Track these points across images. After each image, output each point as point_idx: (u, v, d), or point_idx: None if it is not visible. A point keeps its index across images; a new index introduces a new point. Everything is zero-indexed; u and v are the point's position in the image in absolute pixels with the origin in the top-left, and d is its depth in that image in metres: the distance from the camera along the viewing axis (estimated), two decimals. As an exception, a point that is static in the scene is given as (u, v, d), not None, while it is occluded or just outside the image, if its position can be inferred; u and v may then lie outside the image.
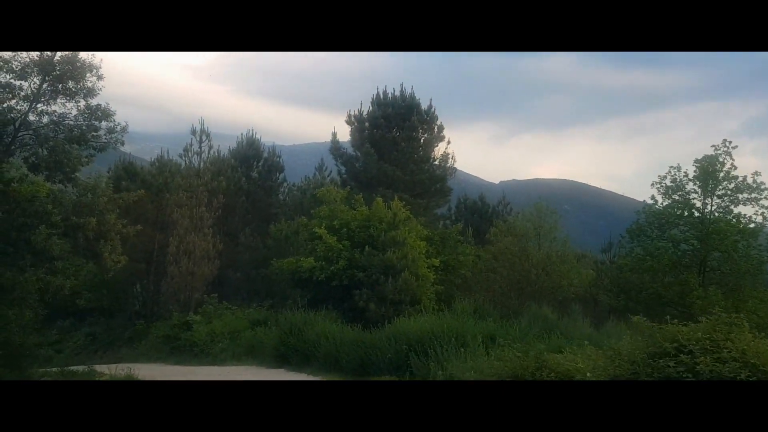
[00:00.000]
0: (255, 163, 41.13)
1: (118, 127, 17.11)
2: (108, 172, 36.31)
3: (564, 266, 30.70)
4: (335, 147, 33.04)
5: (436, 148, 34.33)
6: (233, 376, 16.87)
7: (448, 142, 34.56)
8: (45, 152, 15.71)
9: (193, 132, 29.22)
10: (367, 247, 25.47)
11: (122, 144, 16.97)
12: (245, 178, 40.19)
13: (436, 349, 13.72)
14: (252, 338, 22.57)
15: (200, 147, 29.58)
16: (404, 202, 27.84)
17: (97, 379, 17.60)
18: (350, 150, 34.06)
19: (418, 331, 15.20)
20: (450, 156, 33.74)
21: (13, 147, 16.18)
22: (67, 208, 15.89)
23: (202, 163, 29.67)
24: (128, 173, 34.62)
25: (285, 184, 43.32)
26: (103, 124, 16.91)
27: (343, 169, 33.98)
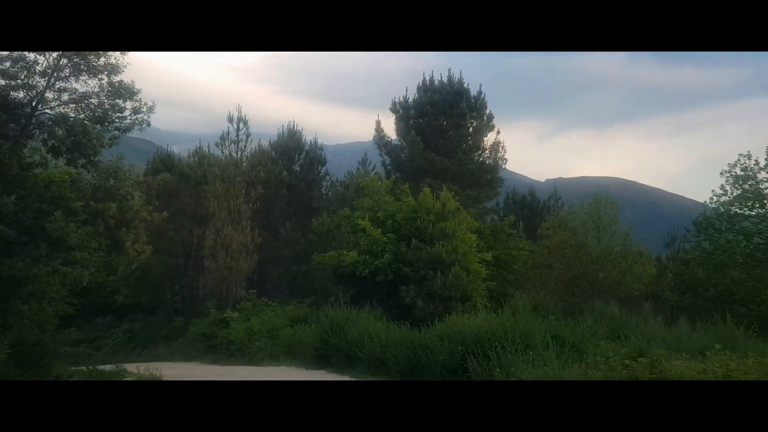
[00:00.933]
0: (296, 155, 39.74)
1: (144, 107, 15.66)
2: (147, 165, 35.38)
3: (625, 261, 28.63)
4: (379, 137, 31.34)
5: (486, 138, 32.42)
6: (265, 377, 15.36)
7: (498, 132, 32.63)
8: (63, 132, 14.31)
9: (230, 119, 27.81)
10: (413, 240, 23.72)
11: (148, 125, 15.54)
12: (286, 171, 38.88)
13: (497, 351, 11.90)
14: (291, 337, 21.06)
15: (237, 135, 28.16)
16: (453, 193, 26.01)
17: (125, 378, 16.38)
18: (395, 140, 32.35)
19: (475, 331, 13.38)
20: (501, 145, 31.76)
21: (30, 128, 14.85)
22: (86, 192, 14.49)
23: (239, 152, 28.23)
24: (165, 165, 33.52)
25: (327, 178, 41.83)
26: (128, 104, 15.48)
27: (388, 160, 32.26)
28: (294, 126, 39.94)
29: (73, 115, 14.85)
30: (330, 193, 41.84)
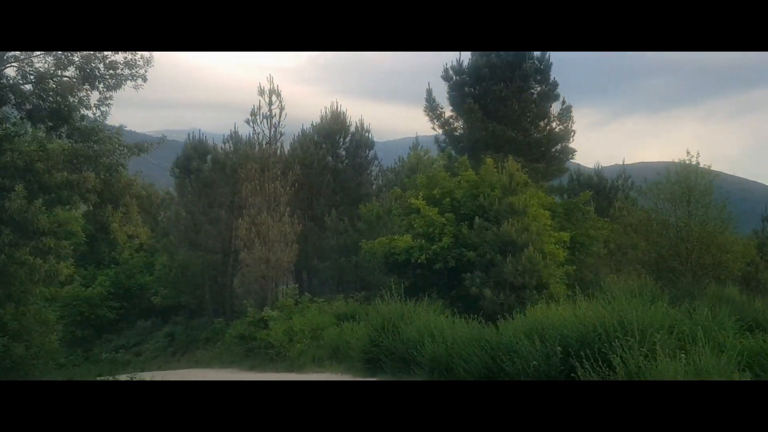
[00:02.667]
0: (341, 138, 36.44)
1: (141, 60, 12.51)
2: (179, 154, 32.60)
3: (724, 238, 24.63)
4: (431, 107, 27.74)
5: (551, 106, 28.49)
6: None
7: (563, 102, 28.66)
8: (35, 89, 11.29)
9: (261, 92, 24.58)
10: (477, 218, 20.14)
11: (144, 80, 12.44)
12: (331, 155, 35.67)
13: (623, 348, 8.29)
14: (336, 337, 17.78)
15: (270, 110, 24.91)
16: (519, 165, 22.31)
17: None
18: (449, 113, 28.70)
19: (576, 325, 9.79)
20: (570, 112, 27.81)
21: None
22: (56, 161, 11.44)
23: (273, 128, 25.00)
24: (198, 152, 30.62)
25: (376, 162, 38.39)
26: (119, 56, 12.33)
27: (441, 136, 28.61)
28: (337, 107, 36.67)
29: (52, 70, 11.82)
30: (380, 180, 38.54)
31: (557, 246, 21.20)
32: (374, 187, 37.54)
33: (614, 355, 8.23)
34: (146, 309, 39.46)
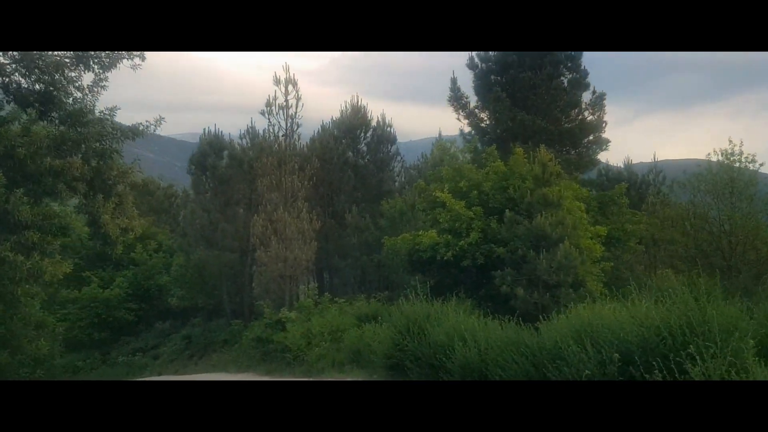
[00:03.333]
0: (362, 133, 35.16)
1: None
2: (194, 150, 31.51)
3: (770, 232, 23.17)
4: (455, 97, 26.37)
5: (583, 95, 26.99)
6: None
7: (594, 92, 27.14)
8: (24, 71, 10.15)
9: (276, 81, 23.30)
10: (507, 212, 18.76)
11: (142, 59, 11.25)
12: (351, 151, 34.43)
13: (695, 358, 6.91)
14: (357, 340, 16.47)
15: (286, 100, 23.64)
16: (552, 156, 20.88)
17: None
18: (474, 103, 27.30)
19: (636, 328, 8.38)
20: (603, 100, 26.29)
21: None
22: (40, 146, 10.27)
23: (289, 119, 23.74)
24: (214, 148, 29.50)
25: (399, 158, 37.05)
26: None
27: (467, 128, 27.22)
28: (358, 101, 35.40)
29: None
30: (402, 177, 37.22)
31: (593, 241, 19.78)
32: (396, 184, 36.28)
33: (691, 364, 6.85)
34: (165, 310, 38.53)
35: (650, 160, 40.24)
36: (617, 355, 7.90)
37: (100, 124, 11.07)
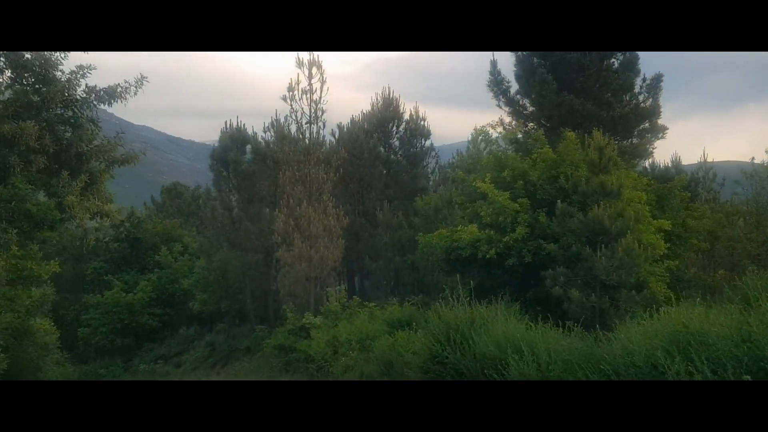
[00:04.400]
0: (394, 127, 33.13)
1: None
2: (214, 145, 29.69)
3: None
4: (495, 81, 24.08)
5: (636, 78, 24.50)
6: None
7: (644, 79, 24.65)
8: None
9: (299, 63, 21.26)
10: (559, 203, 16.50)
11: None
12: (383, 146, 32.43)
13: None
14: (389, 349, 14.33)
15: (309, 83, 21.57)
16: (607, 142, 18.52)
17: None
18: (516, 90, 24.97)
19: (729, 339, 6.20)
20: (660, 82, 23.78)
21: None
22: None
23: (313, 104, 21.65)
24: (236, 142, 27.62)
25: (433, 153, 34.88)
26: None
27: (506, 115, 24.85)
28: (389, 93, 33.35)
29: None
30: (437, 176, 35.07)
31: (657, 235, 17.42)
32: (431, 183, 34.17)
33: None
34: (191, 316, 36.85)
35: (692, 161, 37.71)
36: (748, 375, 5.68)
37: (67, 84, 9.13)
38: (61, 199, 8.84)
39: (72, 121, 9.42)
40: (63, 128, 9.34)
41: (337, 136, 29.20)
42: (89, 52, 9.73)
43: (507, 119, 25.17)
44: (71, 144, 9.30)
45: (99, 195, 9.79)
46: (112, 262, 45.61)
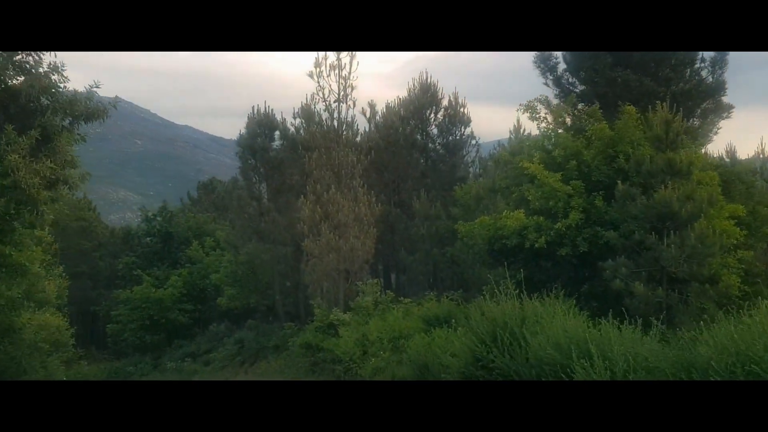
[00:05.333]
0: (432, 114, 31.23)
1: None
2: (241, 131, 28.08)
3: None
4: (542, 57, 22.04)
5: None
6: None
7: (702, 59, 22.38)
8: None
9: (327, 36, 19.59)
10: (619, 184, 14.50)
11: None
12: (420, 134, 30.60)
13: None
14: (425, 349, 12.55)
15: (338, 57, 19.74)
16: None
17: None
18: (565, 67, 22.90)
19: None
20: (726, 56, 21.52)
21: None
22: None
23: (342, 81, 19.84)
24: (264, 128, 25.99)
25: (473, 142, 32.77)
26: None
27: (555, 92, 22.75)
28: (427, 78, 31.47)
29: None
30: (476, 167, 33.00)
31: (730, 222, 15.32)
32: (471, 174, 32.16)
33: None
34: (222, 312, 35.53)
35: (744, 156, 35.06)
36: None
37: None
38: (2, 159, 7.28)
39: (26, 66, 7.84)
40: (11, 73, 7.79)
41: (368, 115, 27.36)
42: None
43: (555, 102, 23.18)
44: (17, 89, 7.70)
45: (56, 157, 8.15)
46: (143, 256, 44.71)
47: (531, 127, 28.96)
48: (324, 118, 20.44)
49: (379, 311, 17.55)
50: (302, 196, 19.81)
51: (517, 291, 10.50)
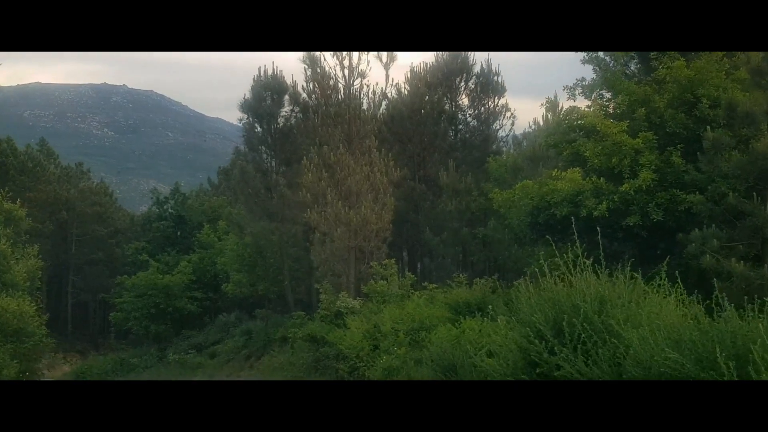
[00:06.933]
0: (462, 82, 27.96)
1: None
2: (244, 97, 24.83)
3: None
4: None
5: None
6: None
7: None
8: None
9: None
10: (708, 130, 11.15)
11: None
12: (449, 103, 27.38)
13: None
14: (452, 344, 9.44)
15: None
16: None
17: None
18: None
19: None
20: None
21: None
22: None
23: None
24: (271, 90, 22.79)
25: (508, 114, 29.30)
26: None
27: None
28: (456, 43, 28.15)
29: None
30: (510, 145, 29.59)
31: None
32: (505, 151, 28.80)
33: None
34: (234, 300, 32.72)
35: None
36: None
37: None
38: None
39: None
40: None
41: (384, 61, 24.10)
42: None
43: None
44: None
45: None
46: (154, 241, 42.25)
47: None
48: (332, 65, 17.29)
49: (396, 297, 14.40)
50: (304, 158, 16.61)
51: (595, 263, 7.36)
